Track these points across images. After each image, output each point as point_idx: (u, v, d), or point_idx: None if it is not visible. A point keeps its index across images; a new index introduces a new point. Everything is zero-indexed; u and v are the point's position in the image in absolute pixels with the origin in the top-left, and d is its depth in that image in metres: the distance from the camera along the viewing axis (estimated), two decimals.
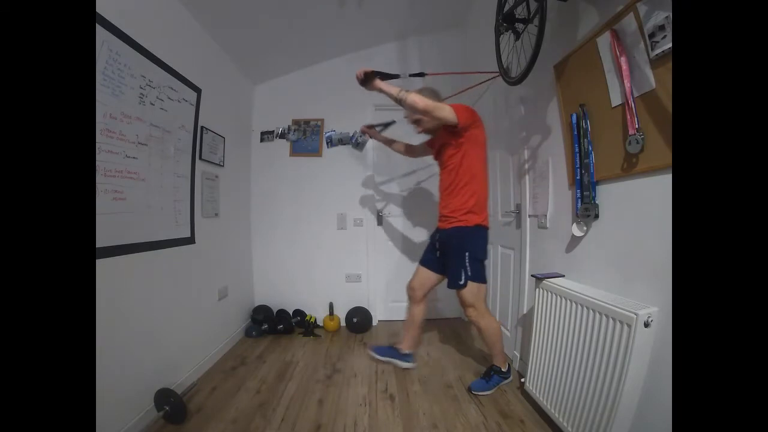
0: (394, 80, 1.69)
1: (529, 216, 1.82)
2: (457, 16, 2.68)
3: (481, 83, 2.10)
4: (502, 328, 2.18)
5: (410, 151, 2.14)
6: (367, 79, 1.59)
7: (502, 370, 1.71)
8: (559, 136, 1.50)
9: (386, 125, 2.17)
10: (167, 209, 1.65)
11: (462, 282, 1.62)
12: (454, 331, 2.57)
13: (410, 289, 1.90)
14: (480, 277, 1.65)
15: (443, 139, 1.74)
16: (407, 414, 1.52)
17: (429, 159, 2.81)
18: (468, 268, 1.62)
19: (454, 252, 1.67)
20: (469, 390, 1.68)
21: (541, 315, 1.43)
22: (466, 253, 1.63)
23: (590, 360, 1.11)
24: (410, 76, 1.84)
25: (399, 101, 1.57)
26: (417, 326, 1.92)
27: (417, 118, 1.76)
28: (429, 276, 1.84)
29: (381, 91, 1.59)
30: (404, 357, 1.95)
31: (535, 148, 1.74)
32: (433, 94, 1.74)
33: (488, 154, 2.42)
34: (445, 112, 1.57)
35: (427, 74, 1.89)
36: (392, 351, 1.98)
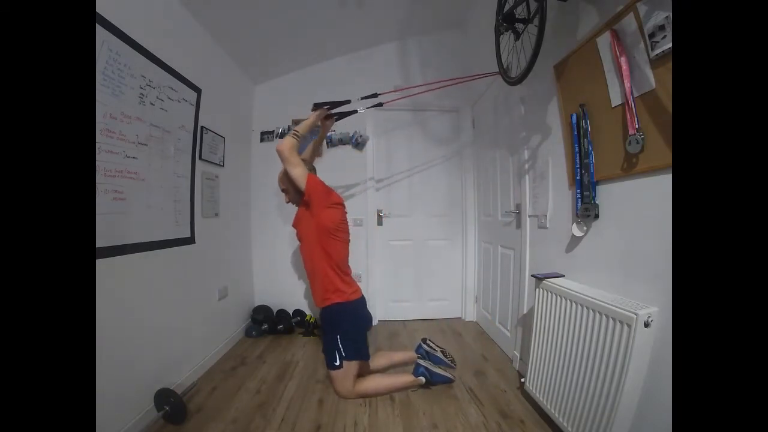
0: (348, 107, 1.82)
1: (529, 216, 1.82)
2: (457, 16, 2.67)
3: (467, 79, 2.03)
4: (501, 328, 2.18)
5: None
6: (315, 110, 1.71)
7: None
8: (559, 136, 1.50)
9: (341, 110, 1.87)
10: (167, 209, 1.65)
11: (337, 363, 1.59)
12: (455, 331, 2.57)
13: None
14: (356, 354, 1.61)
15: (300, 212, 1.72)
16: (407, 414, 1.52)
17: (430, 159, 2.86)
18: (341, 349, 1.59)
19: (326, 332, 1.67)
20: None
21: (541, 315, 1.42)
22: (338, 335, 1.61)
23: (590, 360, 1.11)
24: (361, 99, 1.85)
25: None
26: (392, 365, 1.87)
27: (284, 187, 1.76)
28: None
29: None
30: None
31: (535, 148, 1.74)
32: (307, 163, 1.75)
33: (489, 154, 2.46)
34: (296, 172, 1.54)
35: (380, 94, 1.86)
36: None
